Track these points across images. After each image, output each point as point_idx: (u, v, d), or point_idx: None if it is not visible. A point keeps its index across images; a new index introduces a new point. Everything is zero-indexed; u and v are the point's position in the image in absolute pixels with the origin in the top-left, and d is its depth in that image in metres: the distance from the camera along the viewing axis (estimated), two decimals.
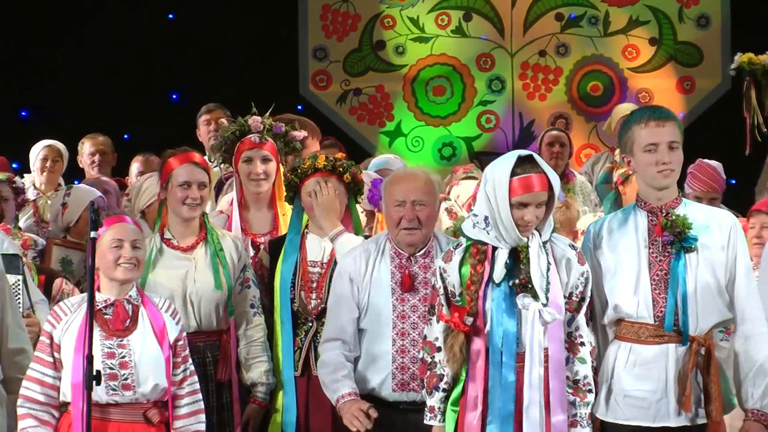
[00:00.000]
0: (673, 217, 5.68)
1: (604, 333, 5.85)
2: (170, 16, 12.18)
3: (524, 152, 5.63)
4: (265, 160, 7.04)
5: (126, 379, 5.77)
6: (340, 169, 6.69)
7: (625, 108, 10.27)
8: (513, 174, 5.51)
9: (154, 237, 6.54)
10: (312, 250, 6.69)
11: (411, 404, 6.11)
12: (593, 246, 5.84)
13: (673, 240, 5.66)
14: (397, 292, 6.18)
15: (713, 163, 8.07)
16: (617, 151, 9.11)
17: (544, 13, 12.15)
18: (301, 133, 7.29)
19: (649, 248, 5.71)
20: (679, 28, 12.07)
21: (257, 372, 6.58)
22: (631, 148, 5.73)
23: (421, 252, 6.24)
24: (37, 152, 9.30)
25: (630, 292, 5.69)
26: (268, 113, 7.15)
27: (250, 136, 7.07)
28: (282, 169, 7.08)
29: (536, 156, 5.62)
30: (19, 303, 6.16)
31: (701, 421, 5.67)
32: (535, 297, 5.51)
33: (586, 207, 8.80)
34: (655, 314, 5.65)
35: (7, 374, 5.94)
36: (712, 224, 5.75)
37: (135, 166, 9.55)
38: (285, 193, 6.85)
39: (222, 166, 7.55)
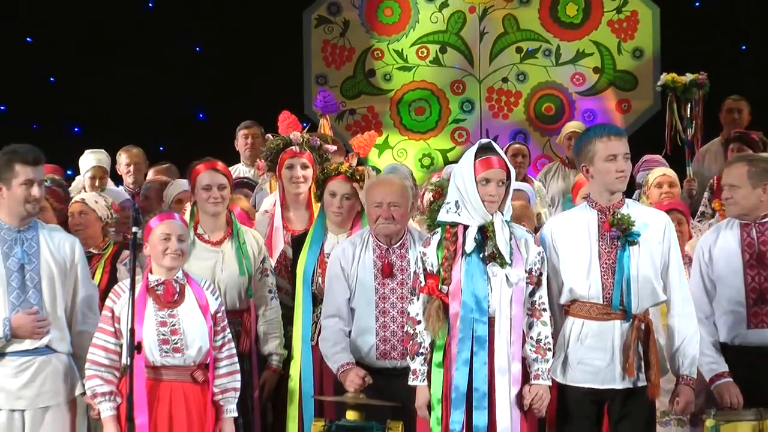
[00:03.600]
0: (619, 216, 5.71)
1: (560, 312, 5.84)
2: (197, 48, 12.15)
3: (484, 140, 5.81)
4: (304, 166, 7.08)
5: (176, 343, 5.81)
6: (358, 176, 6.73)
7: (573, 125, 10.32)
8: (476, 158, 5.67)
9: (189, 232, 6.48)
10: (329, 245, 6.69)
11: (392, 370, 6.17)
12: (552, 239, 5.85)
13: (619, 235, 5.69)
14: (379, 278, 6.23)
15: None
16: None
17: (506, 47, 12.14)
18: (332, 147, 7.36)
19: (599, 241, 5.72)
20: (618, 59, 12.07)
21: (273, 345, 6.63)
22: (592, 158, 5.73)
23: (398, 244, 6.27)
24: (85, 169, 9.23)
25: (583, 277, 5.71)
26: (305, 129, 7.20)
27: (292, 147, 7.09)
28: None
29: (494, 143, 5.79)
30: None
31: (641, 384, 5.70)
32: (502, 265, 5.62)
33: (545, 209, 8.80)
34: (604, 296, 5.68)
35: (76, 352, 6.00)
36: (650, 222, 5.78)
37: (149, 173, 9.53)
38: (315, 191, 6.89)
39: (267, 174, 7.54)
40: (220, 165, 6.71)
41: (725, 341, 6.10)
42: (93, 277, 6.47)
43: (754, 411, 5.77)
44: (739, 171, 6.18)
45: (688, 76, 8.98)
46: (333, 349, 6.20)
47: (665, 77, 9.02)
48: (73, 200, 7.16)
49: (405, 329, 5.90)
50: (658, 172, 7.71)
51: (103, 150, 9.32)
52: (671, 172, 7.74)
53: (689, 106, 8.99)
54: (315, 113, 8.13)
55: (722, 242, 6.19)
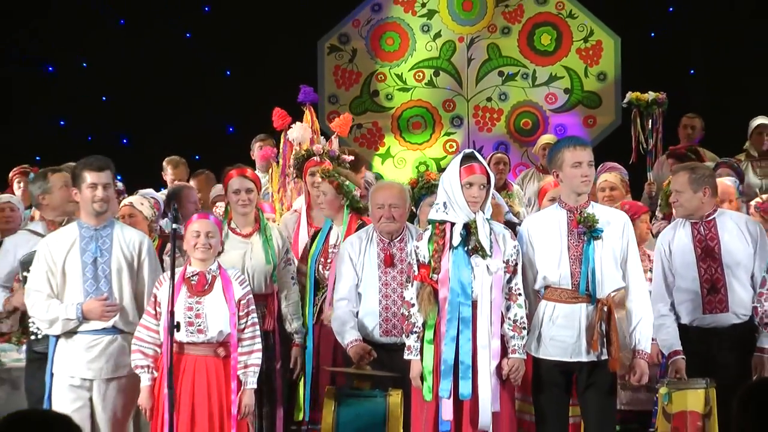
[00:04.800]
0: (585, 215, 5.71)
1: (535, 296, 5.86)
2: (227, 72, 12.17)
3: (468, 150, 5.85)
4: None
5: (199, 326, 5.84)
6: (332, 177, 6.78)
7: (547, 138, 10.32)
8: (461, 165, 5.69)
9: (224, 226, 6.54)
10: (333, 236, 6.74)
11: (393, 345, 6.17)
12: (528, 234, 5.86)
13: (585, 231, 5.69)
14: (382, 267, 6.24)
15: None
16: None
17: (490, 71, 12.14)
18: (349, 157, 7.40)
19: (568, 236, 5.73)
20: (585, 81, 12.06)
21: (297, 325, 6.65)
22: (561, 165, 5.75)
23: (398, 238, 6.28)
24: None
25: (555, 266, 5.72)
26: (326, 142, 7.23)
27: (314, 157, 7.10)
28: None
29: (476, 153, 5.83)
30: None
31: (604, 357, 5.70)
32: (483, 257, 5.64)
33: (522, 208, 8.80)
34: (573, 282, 5.69)
35: None
36: (611, 221, 5.79)
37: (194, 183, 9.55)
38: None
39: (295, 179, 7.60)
40: (249, 172, 6.70)
41: (686, 323, 6.09)
42: None
43: (702, 381, 5.77)
44: (682, 178, 6.18)
45: (650, 95, 8.99)
46: (343, 327, 6.21)
47: (630, 95, 9.03)
48: (121, 204, 7.19)
49: (402, 311, 5.91)
50: (602, 178, 7.68)
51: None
52: (612, 178, 7.63)
53: (650, 120, 8.99)
54: (302, 106, 8.17)
55: (678, 239, 6.18)
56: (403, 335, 5.84)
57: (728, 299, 6.04)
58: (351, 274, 6.27)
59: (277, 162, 8.05)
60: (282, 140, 8.05)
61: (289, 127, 7.94)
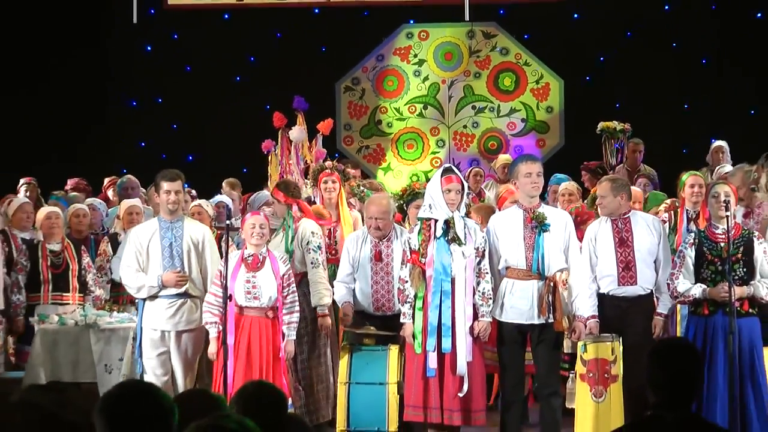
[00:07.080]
0: (537, 213, 5.74)
1: (499, 274, 5.88)
2: (266, 107, 12.14)
3: (447, 165, 5.99)
4: (334, 182, 7.15)
5: (255, 294, 5.93)
6: (354, 193, 7.12)
7: (503, 158, 10.34)
8: (442, 176, 5.75)
9: None
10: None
11: (382, 317, 6.20)
12: (494, 228, 5.90)
13: (537, 225, 5.72)
14: (373, 261, 6.24)
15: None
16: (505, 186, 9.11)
17: (466, 105, 12.11)
18: (353, 170, 7.52)
19: (524, 229, 5.75)
20: (537, 113, 12.03)
21: (317, 299, 6.42)
22: (517, 176, 5.80)
23: (386, 239, 6.27)
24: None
25: (514, 251, 5.78)
26: (335, 160, 7.31)
27: (326, 170, 7.15)
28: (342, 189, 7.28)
29: (454, 167, 5.91)
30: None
31: (551, 320, 5.75)
32: (459, 245, 5.67)
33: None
34: (527, 264, 5.75)
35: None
36: (557, 218, 5.85)
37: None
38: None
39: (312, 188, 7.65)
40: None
41: (604, 293, 6.07)
42: None
43: (610, 336, 5.82)
44: (606, 186, 6.19)
45: (617, 125, 9.07)
46: (339, 295, 6.29)
47: (602, 125, 9.14)
48: (191, 205, 7.33)
49: (397, 287, 5.95)
50: (563, 186, 7.68)
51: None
52: (570, 186, 7.63)
53: (614, 143, 9.04)
54: (296, 112, 8.29)
55: (601, 232, 6.16)
56: (399, 304, 5.86)
57: (637, 276, 6.05)
58: (347, 265, 6.30)
59: (275, 152, 8.13)
60: (280, 136, 8.11)
61: (288, 127, 8.05)
